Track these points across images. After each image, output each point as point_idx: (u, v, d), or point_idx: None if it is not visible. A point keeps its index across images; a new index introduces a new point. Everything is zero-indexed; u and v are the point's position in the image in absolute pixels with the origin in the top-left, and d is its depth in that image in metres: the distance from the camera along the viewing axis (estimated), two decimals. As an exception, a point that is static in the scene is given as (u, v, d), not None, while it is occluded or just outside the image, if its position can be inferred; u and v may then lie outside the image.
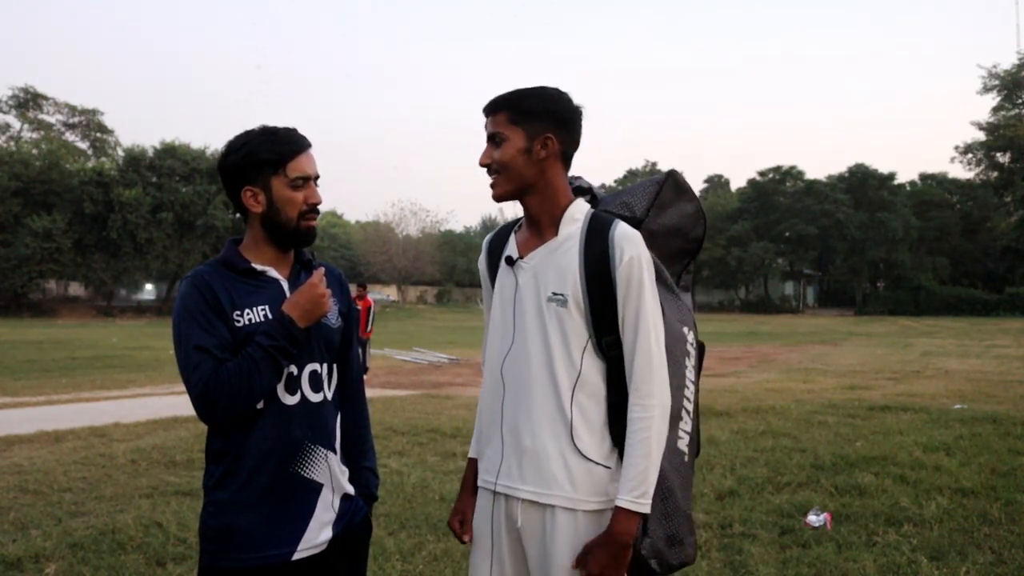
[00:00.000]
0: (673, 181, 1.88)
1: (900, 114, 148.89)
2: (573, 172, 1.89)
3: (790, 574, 3.67)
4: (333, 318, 1.89)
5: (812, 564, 3.75)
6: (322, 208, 1.87)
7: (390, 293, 61.91)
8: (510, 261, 1.82)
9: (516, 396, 1.77)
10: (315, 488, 1.81)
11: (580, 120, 1.80)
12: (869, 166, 56.85)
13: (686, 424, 1.82)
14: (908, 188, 59.17)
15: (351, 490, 1.91)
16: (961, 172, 69.77)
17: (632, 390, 1.70)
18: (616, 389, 1.74)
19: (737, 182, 67.56)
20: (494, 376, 1.83)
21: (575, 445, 1.71)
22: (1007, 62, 67.05)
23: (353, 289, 14.26)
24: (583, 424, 1.72)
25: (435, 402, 10.10)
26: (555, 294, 1.74)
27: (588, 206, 1.83)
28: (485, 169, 1.80)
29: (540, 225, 1.80)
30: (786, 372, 14.67)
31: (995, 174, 54.41)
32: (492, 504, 1.81)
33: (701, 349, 1.91)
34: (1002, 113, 52.44)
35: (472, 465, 1.95)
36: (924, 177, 61.21)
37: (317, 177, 1.84)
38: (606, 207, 1.87)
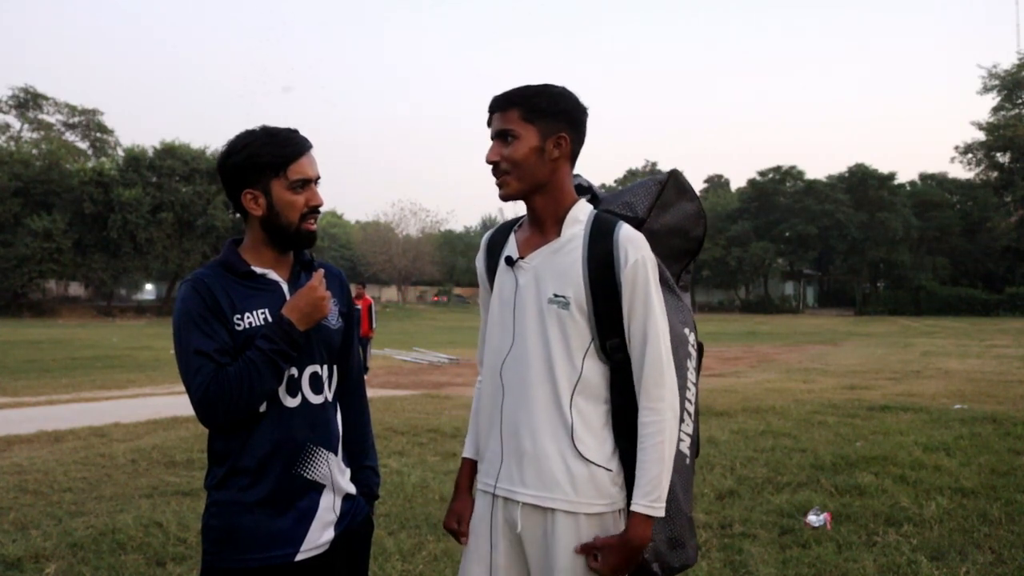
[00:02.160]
0: (675, 181, 1.85)
1: (900, 114, 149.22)
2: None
3: (790, 574, 3.67)
4: (333, 319, 1.88)
5: (812, 564, 3.75)
6: (322, 208, 1.86)
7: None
8: (510, 261, 1.78)
9: (516, 398, 1.74)
10: (317, 489, 1.81)
11: (587, 120, 1.78)
12: (869, 166, 56.78)
13: (687, 426, 1.80)
14: (908, 188, 59.02)
15: (352, 490, 1.91)
16: (961, 172, 69.87)
17: (642, 395, 1.68)
18: (619, 392, 1.72)
19: (737, 182, 67.58)
20: (493, 378, 1.80)
21: (576, 448, 1.69)
22: (1007, 62, 67.22)
23: (353, 289, 14.25)
24: (583, 427, 1.70)
25: (435, 402, 10.09)
26: (556, 296, 1.70)
27: (591, 207, 1.80)
28: (492, 167, 1.75)
29: (543, 225, 1.77)
30: (786, 372, 14.65)
31: (995, 174, 54.39)
32: (491, 507, 1.78)
33: (700, 350, 1.89)
34: (1002, 113, 52.48)
35: (467, 465, 1.93)
36: (924, 177, 61.10)
37: (318, 178, 1.82)
38: (608, 207, 1.84)
